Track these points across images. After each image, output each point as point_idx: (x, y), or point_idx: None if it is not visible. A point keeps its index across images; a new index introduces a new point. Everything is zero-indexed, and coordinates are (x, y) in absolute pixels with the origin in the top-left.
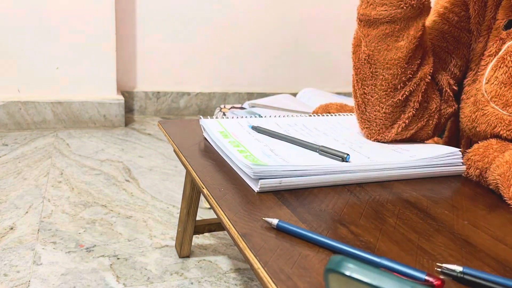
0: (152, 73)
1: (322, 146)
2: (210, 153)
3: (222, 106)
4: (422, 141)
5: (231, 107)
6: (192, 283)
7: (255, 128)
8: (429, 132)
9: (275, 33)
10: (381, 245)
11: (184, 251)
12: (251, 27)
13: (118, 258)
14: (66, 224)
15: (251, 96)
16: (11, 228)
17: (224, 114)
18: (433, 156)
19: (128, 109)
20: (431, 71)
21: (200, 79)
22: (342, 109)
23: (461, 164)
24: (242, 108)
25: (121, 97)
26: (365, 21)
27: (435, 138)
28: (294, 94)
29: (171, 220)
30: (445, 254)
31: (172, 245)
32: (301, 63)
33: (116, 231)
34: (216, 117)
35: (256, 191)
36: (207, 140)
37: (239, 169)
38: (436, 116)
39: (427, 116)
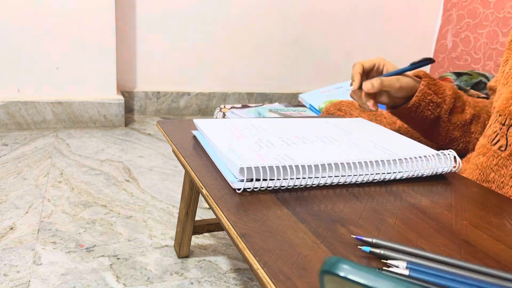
0: (152, 73)
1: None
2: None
3: (222, 106)
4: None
5: (231, 107)
6: (192, 283)
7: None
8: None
9: (275, 33)
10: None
11: (183, 251)
12: (251, 27)
13: (118, 258)
14: (66, 224)
15: (251, 96)
16: (11, 228)
17: (224, 114)
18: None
19: (128, 109)
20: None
21: (200, 79)
22: (352, 105)
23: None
24: (243, 107)
25: (121, 97)
26: None
27: None
28: (294, 94)
29: (171, 220)
30: (444, 254)
31: (172, 245)
32: (301, 63)
33: (116, 231)
34: (216, 117)
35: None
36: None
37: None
38: None
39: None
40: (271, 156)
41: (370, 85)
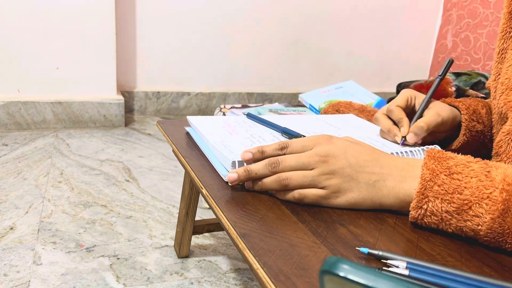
0: (152, 73)
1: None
2: None
3: (222, 106)
4: None
5: (231, 107)
6: (192, 283)
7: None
8: None
9: (275, 32)
10: (380, 245)
11: (183, 251)
12: (251, 27)
13: (118, 258)
14: (66, 224)
15: (251, 96)
16: (11, 228)
17: (224, 114)
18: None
19: (128, 109)
20: None
21: (200, 79)
22: (350, 106)
23: None
24: (243, 107)
25: (121, 97)
26: None
27: None
28: (294, 94)
29: (171, 220)
30: (444, 254)
31: (172, 245)
32: (302, 63)
33: (116, 231)
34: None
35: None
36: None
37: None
38: None
39: None
40: None
41: (415, 137)
